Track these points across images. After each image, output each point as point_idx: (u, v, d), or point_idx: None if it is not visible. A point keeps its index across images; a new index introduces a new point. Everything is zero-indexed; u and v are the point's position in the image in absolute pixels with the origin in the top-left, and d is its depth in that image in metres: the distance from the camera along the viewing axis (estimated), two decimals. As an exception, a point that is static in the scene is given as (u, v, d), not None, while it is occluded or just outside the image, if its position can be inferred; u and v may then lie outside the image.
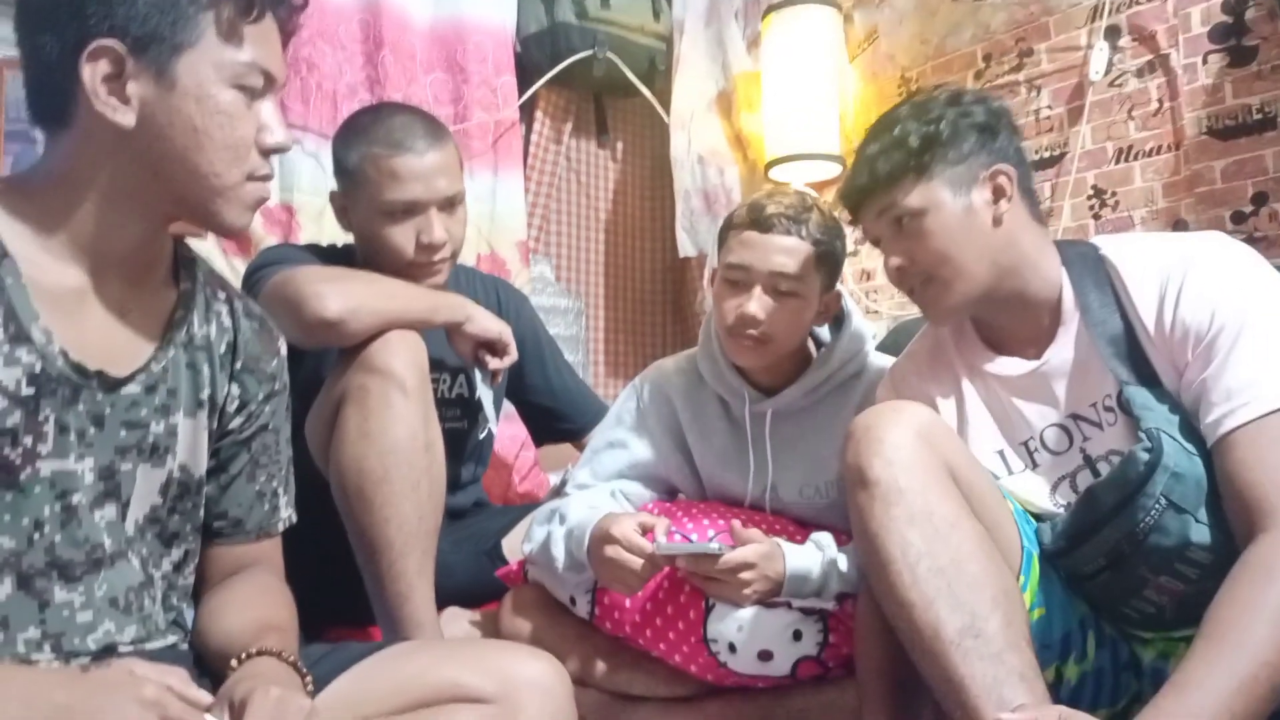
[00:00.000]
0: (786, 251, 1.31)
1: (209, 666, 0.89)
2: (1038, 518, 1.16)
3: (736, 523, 1.21)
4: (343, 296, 1.32)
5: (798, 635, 1.26)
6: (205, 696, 0.74)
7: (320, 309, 1.30)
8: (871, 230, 1.18)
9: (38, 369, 0.80)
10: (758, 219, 1.31)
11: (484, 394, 1.53)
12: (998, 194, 1.12)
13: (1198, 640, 0.88)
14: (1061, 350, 1.12)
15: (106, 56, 0.79)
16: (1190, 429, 1.02)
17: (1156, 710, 0.85)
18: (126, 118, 0.81)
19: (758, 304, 1.31)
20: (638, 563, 1.22)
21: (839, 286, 1.41)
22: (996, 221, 1.12)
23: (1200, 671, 0.85)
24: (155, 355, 0.89)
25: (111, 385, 0.86)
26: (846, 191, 1.19)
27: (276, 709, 0.74)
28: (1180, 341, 1.03)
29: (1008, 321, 1.17)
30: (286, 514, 1.06)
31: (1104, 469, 1.09)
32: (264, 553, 1.03)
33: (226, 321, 0.98)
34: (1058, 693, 1.07)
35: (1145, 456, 1.00)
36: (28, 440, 0.80)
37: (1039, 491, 1.15)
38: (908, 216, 1.11)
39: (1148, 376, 1.06)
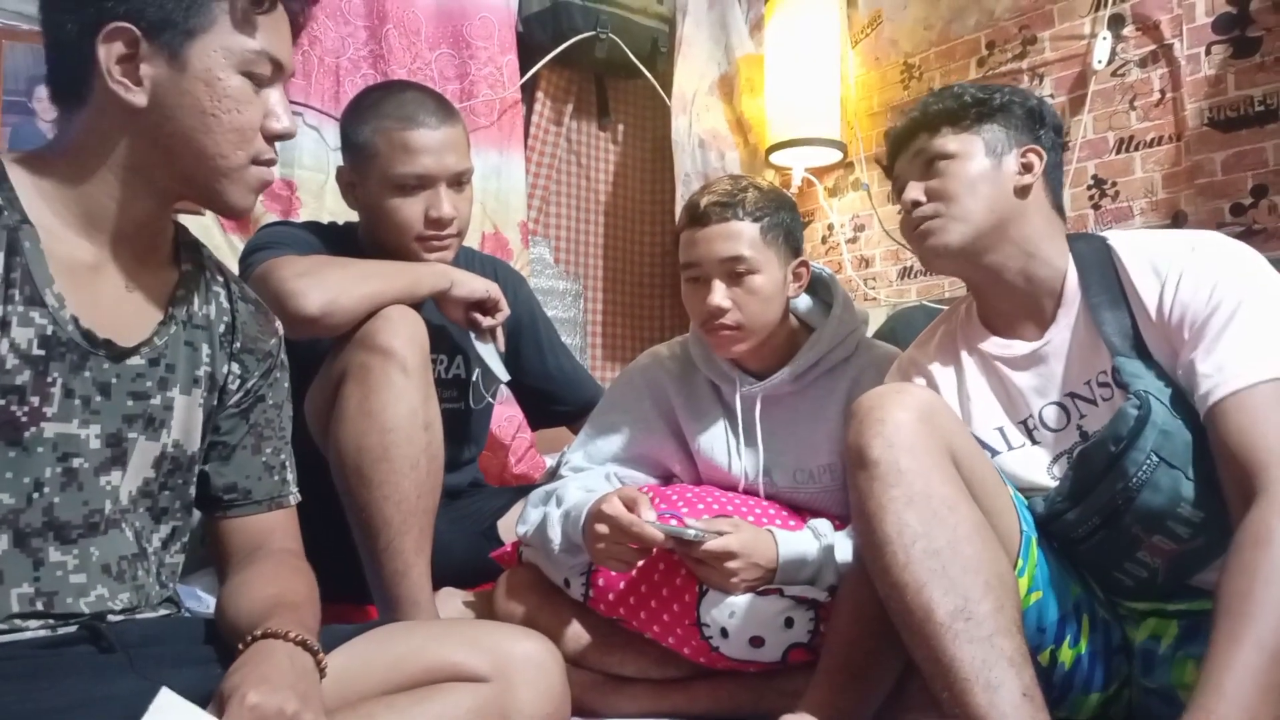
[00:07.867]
0: (726, 236, 1.34)
1: (228, 642, 0.88)
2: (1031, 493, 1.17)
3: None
4: (322, 290, 1.30)
5: (789, 622, 1.26)
6: None
7: (300, 307, 1.28)
8: (904, 172, 1.22)
9: (49, 331, 0.82)
10: (694, 215, 1.36)
11: (485, 351, 1.53)
12: (1026, 168, 1.17)
13: (1218, 617, 0.88)
14: (1062, 331, 1.15)
15: (122, 38, 0.82)
16: (1180, 401, 1.04)
17: (1204, 712, 0.83)
18: (138, 98, 0.83)
19: (720, 294, 1.34)
20: (637, 526, 1.20)
21: (816, 265, 1.42)
22: (1020, 192, 1.17)
23: (1229, 653, 0.85)
24: (158, 330, 0.91)
25: (118, 355, 0.87)
26: (893, 131, 1.26)
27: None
28: (1178, 323, 1.05)
29: (1012, 302, 1.19)
30: (294, 490, 1.06)
31: None
32: (279, 524, 1.03)
33: (224, 303, 1.00)
34: (1052, 676, 1.08)
35: (1134, 412, 1.03)
36: (34, 400, 0.82)
37: (1038, 464, 1.17)
38: (940, 158, 1.17)
39: (1142, 352, 1.08)
